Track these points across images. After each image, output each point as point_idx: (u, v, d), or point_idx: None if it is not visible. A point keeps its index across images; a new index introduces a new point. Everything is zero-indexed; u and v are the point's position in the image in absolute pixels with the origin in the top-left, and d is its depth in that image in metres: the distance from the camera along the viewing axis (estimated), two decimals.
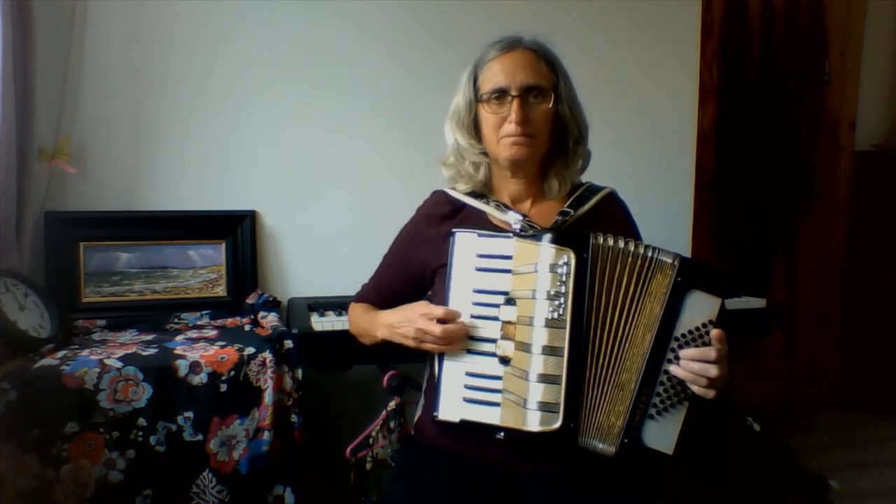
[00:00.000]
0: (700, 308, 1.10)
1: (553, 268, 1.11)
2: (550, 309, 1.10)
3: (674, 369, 1.10)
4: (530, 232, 1.20)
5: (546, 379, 1.10)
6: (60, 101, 1.89)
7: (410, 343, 1.24)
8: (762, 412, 2.19)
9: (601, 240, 1.12)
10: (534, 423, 1.10)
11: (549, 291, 1.10)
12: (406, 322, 1.24)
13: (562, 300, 1.10)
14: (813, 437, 2.67)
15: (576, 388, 1.10)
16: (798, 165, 2.90)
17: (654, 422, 1.11)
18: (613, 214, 1.35)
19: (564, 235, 1.14)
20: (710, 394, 1.09)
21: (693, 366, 1.08)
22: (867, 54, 2.94)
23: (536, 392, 1.10)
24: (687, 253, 2.64)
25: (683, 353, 1.09)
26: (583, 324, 1.10)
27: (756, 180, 2.84)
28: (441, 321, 1.18)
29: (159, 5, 1.99)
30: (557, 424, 1.09)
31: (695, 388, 1.10)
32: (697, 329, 1.10)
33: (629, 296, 1.12)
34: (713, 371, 1.07)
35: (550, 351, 1.10)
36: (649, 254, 1.12)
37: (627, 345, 1.12)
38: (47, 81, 1.82)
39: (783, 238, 2.93)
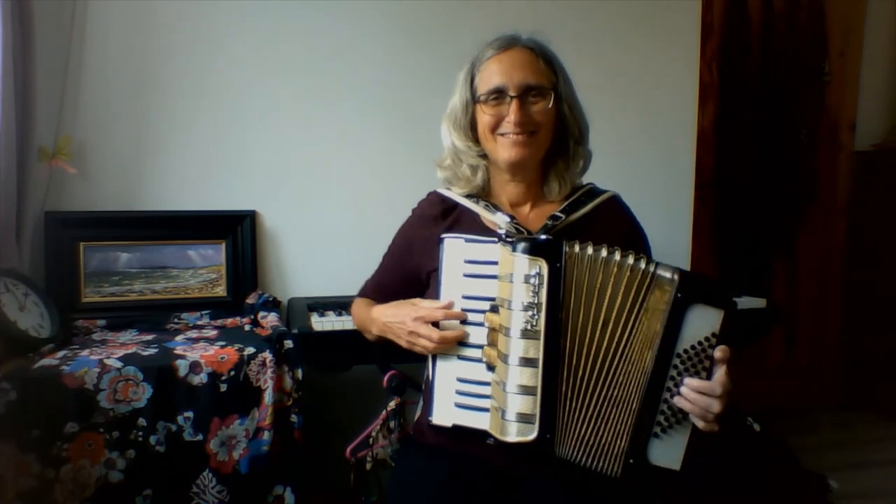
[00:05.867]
0: (702, 322, 1.07)
1: (526, 278, 1.08)
2: (524, 320, 1.08)
3: (677, 400, 1.07)
4: (515, 236, 1.18)
5: (523, 390, 1.08)
6: (60, 101, 1.89)
7: (402, 343, 1.23)
8: (762, 412, 2.19)
9: (577, 248, 1.09)
10: (511, 433, 1.09)
11: (523, 302, 1.08)
12: (399, 322, 1.23)
13: (535, 311, 1.08)
14: (813, 437, 2.66)
15: (552, 399, 1.08)
16: (798, 165, 2.90)
17: (660, 440, 1.09)
18: (616, 220, 1.32)
19: (537, 245, 1.09)
20: (714, 428, 1.07)
21: (697, 398, 1.06)
22: (867, 54, 2.93)
23: (514, 403, 1.09)
24: (687, 253, 2.64)
25: (687, 382, 1.06)
26: (559, 335, 1.08)
27: (756, 180, 2.84)
28: (436, 324, 1.18)
29: (159, 6, 1.99)
30: (533, 436, 1.08)
31: (699, 424, 1.07)
32: (700, 343, 1.07)
33: (621, 309, 1.08)
34: (716, 407, 1.05)
35: (526, 362, 1.08)
36: (642, 266, 1.08)
37: (621, 360, 1.09)
38: (47, 81, 1.82)
39: (783, 238, 2.93)
